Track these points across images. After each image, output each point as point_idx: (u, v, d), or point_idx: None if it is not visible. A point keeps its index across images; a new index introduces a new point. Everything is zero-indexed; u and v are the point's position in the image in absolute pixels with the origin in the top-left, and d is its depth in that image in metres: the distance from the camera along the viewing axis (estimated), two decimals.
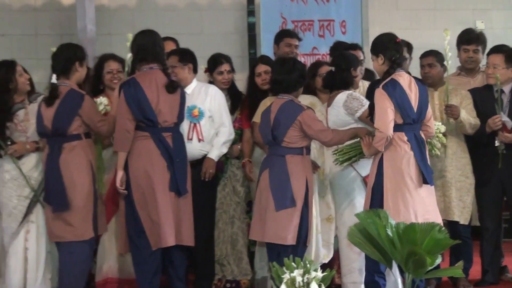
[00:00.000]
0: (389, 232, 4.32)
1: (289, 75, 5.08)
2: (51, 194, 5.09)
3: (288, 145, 5.05)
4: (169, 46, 5.81)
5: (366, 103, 5.13)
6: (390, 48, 4.94)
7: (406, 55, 5.85)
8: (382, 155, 4.88)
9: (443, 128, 5.32)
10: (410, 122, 4.89)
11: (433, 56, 5.70)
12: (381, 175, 4.85)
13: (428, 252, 4.23)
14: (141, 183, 5.05)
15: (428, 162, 4.94)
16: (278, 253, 4.97)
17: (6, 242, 5.35)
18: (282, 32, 6.43)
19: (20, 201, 5.29)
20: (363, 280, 5.15)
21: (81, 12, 6.87)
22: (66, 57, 5.13)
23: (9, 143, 5.26)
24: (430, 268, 4.30)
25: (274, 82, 5.16)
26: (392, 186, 4.84)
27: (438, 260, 4.33)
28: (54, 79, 5.09)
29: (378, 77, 5.21)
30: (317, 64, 5.73)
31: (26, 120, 5.32)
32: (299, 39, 6.21)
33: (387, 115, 4.79)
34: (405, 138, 4.86)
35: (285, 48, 6.08)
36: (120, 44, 6.77)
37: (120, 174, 5.07)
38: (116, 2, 7.42)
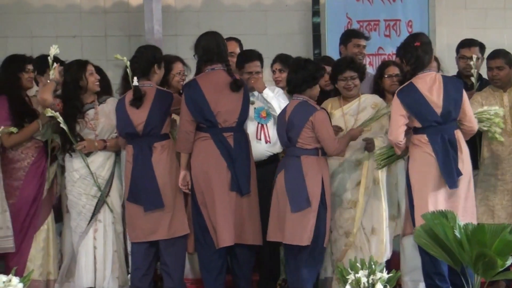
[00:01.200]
0: (457, 234, 4.29)
1: (296, 75, 5.07)
2: (143, 193, 5.13)
3: (302, 146, 5.05)
4: (232, 46, 5.86)
5: None
6: (407, 51, 4.94)
7: (479, 55, 5.75)
8: (409, 157, 4.94)
9: (501, 112, 5.18)
10: (432, 124, 4.86)
11: (502, 59, 5.58)
12: (408, 177, 4.95)
13: (498, 254, 4.15)
14: (201, 183, 5.11)
15: (461, 165, 4.84)
16: (295, 255, 4.97)
17: (76, 241, 5.43)
18: (349, 32, 6.40)
19: (89, 200, 5.37)
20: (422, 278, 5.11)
21: (148, 14, 6.96)
22: (146, 59, 5.21)
23: (78, 139, 5.34)
24: (500, 269, 4.22)
25: (286, 82, 5.20)
26: (416, 187, 4.89)
27: (509, 262, 4.24)
28: (135, 81, 5.17)
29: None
30: (384, 65, 5.69)
31: (96, 119, 5.41)
32: (367, 39, 6.16)
33: (396, 122, 4.89)
34: (426, 140, 4.87)
35: (353, 49, 6.05)
36: (186, 44, 6.82)
37: (182, 174, 5.16)
38: (182, 3, 7.50)
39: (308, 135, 5.03)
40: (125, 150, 5.34)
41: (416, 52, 4.91)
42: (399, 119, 4.88)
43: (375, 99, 5.48)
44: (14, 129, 5.32)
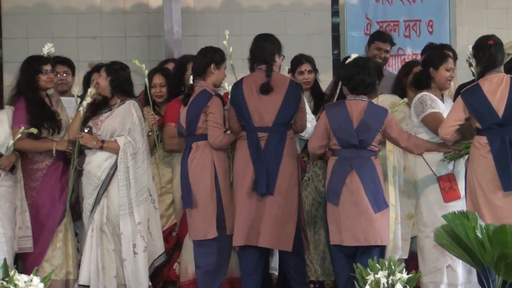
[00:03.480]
0: (479, 234, 4.24)
1: (370, 77, 5.03)
2: (182, 192, 5.22)
3: (373, 148, 5.00)
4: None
5: (431, 108, 5.18)
6: (480, 50, 4.94)
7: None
8: (469, 158, 4.95)
9: None
10: (492, 126, 4.84)
11: None
12: (466, 178, 4.97)
13: None
14: (235, 181, 5.18)
15: None
16: (368, 255, 4.85)
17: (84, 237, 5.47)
18: (376, 34, 6.44)
19: (87, 199, 5.39)
20: (443, 280, 5.15)
21: (168, 14, 6.97)
22: (204, 60, 5.25)
23: (86, 130, 5.36)
24: None
25: (357, 82, 5.05)
26: (471, 189, 4.89)
27: None
28: (191, 80, 5.24)
29: None
30: (412, 63, 5.72)
31: (104, 121, 5.41)
32: (392, 44, 6.15)
33: (451, 119, 4.95)
34: (485, 142, 4.85)
35: (374, 51, 6.05)
36: (205, 45, 6.79)
37: None
38: (201, 4, 7.50)
39: (379, 137, 5.01)
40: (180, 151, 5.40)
41: (489, 50, 4.90)
42: (455, 117, 4.93)
43: (394, 98, 5.48)
44: (34, 130, 5.32)
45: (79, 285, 5.39)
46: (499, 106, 4.83)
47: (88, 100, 5.38)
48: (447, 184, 5.21)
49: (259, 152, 5.09)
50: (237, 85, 5.21)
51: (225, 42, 5.44)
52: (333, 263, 5.14)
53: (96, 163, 5.37)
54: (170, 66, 6.03)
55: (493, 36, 5.03)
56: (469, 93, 4.89)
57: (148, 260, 5.38)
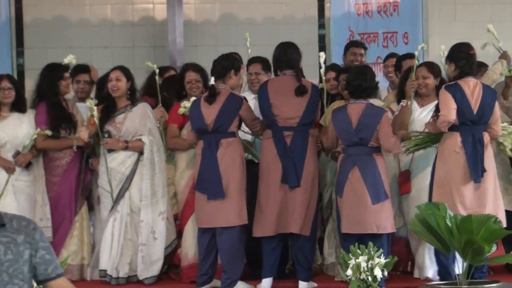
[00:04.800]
0: (448, 223, 4.29)
1: (366, 82, 5.06)
2: (208, 183, 5.12)
3: (373, 145, 5.03)
4: (257, 68, 5.78)
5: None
6: (461, 58, 4.95)
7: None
8: (437, 152, 4.93)
9: (510, 129, 5.19)
10: (467, 123, 4.88)
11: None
12: (434, 171, 4.93)
13: (484, 241, 4.16)
14: (263, 176, 5.17)
15: (486, 162, 4.86)
16: (358, 241, 4.87)
17: (99, 229, 5.51)
18: (349, 42, 6.47)
19: (109, 193, 5.39)
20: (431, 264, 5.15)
21: (171, 27, 6.98)
22: (225, 64, 5.25)
23: (106, 136, 5.40)
24: (486, 255, 4.22)
25: (354, 87, 5.10)
26: (439, 182, 4.87)
27: (494, 248, 4.24)
28: (212, 80, 5.22)
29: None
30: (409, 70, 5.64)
31: (123, 123, 5.44)
32: (365, 48, 6.16)
33: (449, 104, 4.84)
34: (459, 139, 4.88)
35: (350, 56, 6.08)
36: (205, 54, 6.88)
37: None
38: (201, 17, 7.52)
39: (378, 135, 5.01)
40: (193, 145, 5.33)
41: (472, 59, 4.98)
42: (450, 102, 4.84)
43: (376, 103, 5.50)
44: (49, 132, 5.36)
45: (100, 270, 5.44)
46: (474, 106, 4.88)
47: (95, 111, 5.34)
48: (404, 178, 5.28)
49: (285, 149, 5.13)
50: (263, 87, 5.22)
51: (247, 43, 5.57)
52: (343, 250, 5.15)
53: (120, 160, 5.39)
54: (171, 73, 6.04)
55: (471, 45, 5.08)
56: (452, 88, 4.89)
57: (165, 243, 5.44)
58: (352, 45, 6.19)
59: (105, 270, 5.40)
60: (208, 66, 5.75)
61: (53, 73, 5.52)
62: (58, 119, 5.47)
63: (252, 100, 5.63)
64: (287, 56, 5.21)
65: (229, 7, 7.53)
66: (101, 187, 5.46)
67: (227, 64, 5.22)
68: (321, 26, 7.57)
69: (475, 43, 7.15)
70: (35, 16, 7.31)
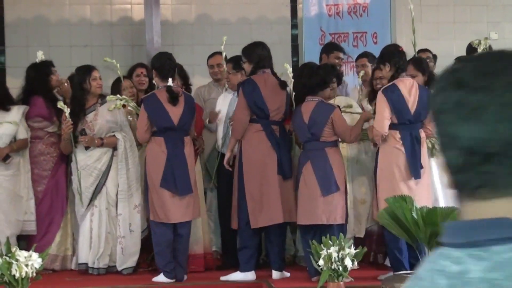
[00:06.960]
0: (414, 215, 4.32)
1: (310, 79, 5.15)
2: (178, 180, 5.12)
3: (326, 140, 5.12)
4: (218, 59, 6.00)
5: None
6: (395, 56, 4.97)
7: (431, 64, 5.81)
8: (379, 149, 5.03)
9: None
10: (406, 122, 4.98)
11: None
12: (377, 167, 5.05)
13: None
14: (253, 168, 5.14)
15: (423, 159, 4.95)
16: (314, 233, 4.96)
17: (77, 224, 5.55)
18: (333, 45, 6.51)
19: (87, 189, 5.41)
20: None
21: (149, 26, 6.95)
22: (173, 65, 5.33)
23: (83, 134, 5.43)
24: None
25: (300, 86, 5.25)
26: (384, 177, 4.97)
27: None
28: (170, 82, 5.24)
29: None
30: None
31: (95, 120, 5.45)
32: (345, 54, 6.29)
33: (383, 116, 4.92)
34: (398, 136, 4.96)
35: (334, 60, 6.12)
36: (182, 53, 6.84)
37: (228, 155, 5.27)
38: (178, 17, 7.50)
39: (328, 129, 5.09)
40: (143, 143, 5.37)
41: (404, 56, 5.04)
42: (385, 112, 4.93)
43: (347, 100, 5.58)
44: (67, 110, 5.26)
45: (79, 263, 5.43)
46: (412, 105, 4.95)
47: (67, 111, 5.28)
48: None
49: (277, 142, 5.21)
50: (251, 83, 5.22)
51: (222, 46, 5.64)
52: (303, 242, 5.20)
53: (96, 157, 5.44)
54: (139, 70, 6.09)
55: (398, 45, 5.19)
56: (389, 90, 4.95)
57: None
58: (338, 49, 6.25)
59: (85, 264, 5.43)
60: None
61: (41, 69, 5.56)
62: (54, 110, 5.51)
63: (229, 95, 5.68)
64: (269, 56, 5.33)
65: (205, 8, 7.52)
66: (73, 186, 5.50)
67: (174, 65, 5.36)
68: (294, 26, 7.59)
69: (439, 43, 7.27)
70: (16, 15, 7.24)
